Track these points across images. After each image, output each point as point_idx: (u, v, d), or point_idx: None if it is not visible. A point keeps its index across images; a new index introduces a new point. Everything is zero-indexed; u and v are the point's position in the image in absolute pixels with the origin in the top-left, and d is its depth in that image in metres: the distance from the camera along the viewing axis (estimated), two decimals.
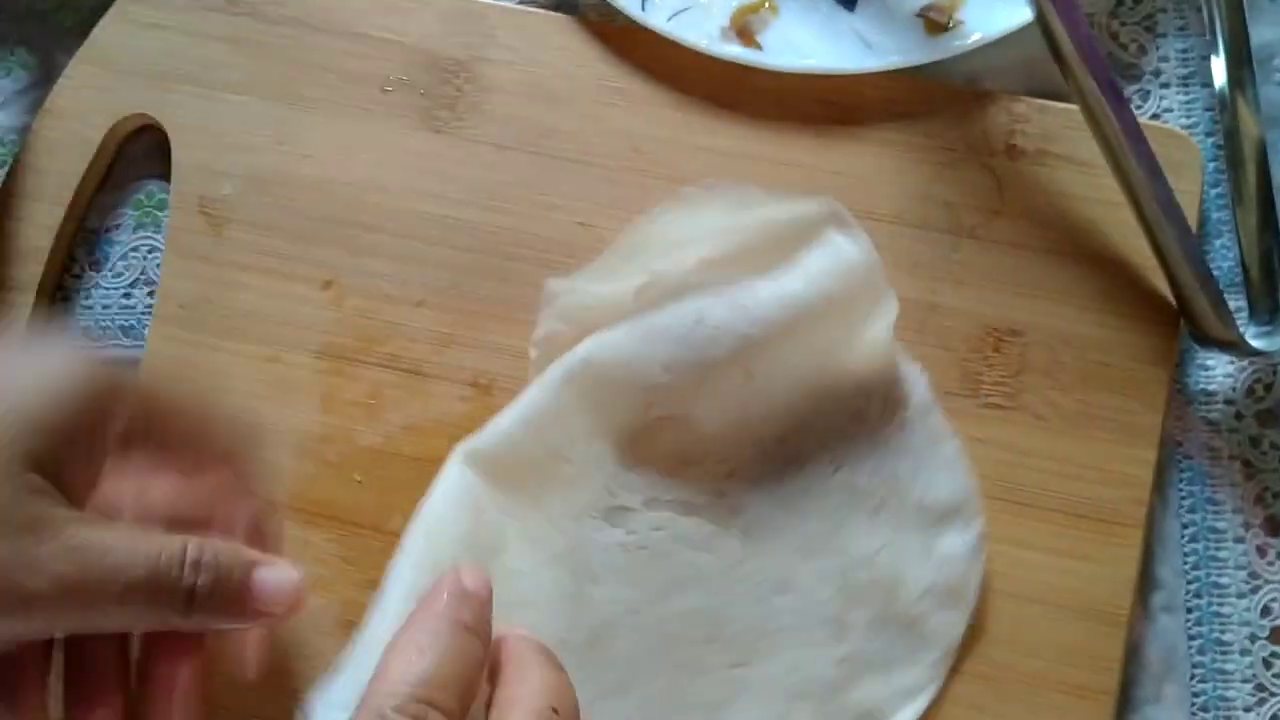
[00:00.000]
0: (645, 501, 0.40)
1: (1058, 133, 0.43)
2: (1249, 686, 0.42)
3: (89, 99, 0.45)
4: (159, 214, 0.46)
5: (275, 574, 0.35)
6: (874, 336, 0.41)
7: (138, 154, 0.46)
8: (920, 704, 0.40)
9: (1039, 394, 0.42)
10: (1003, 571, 0.41)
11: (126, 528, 0.34)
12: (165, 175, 0.45)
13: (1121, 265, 0.43)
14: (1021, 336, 0.42)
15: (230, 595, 0.34)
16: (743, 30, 0.44)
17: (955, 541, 0.40)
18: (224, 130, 0.45)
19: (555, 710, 0.31)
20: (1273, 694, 0.42)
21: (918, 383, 0.41)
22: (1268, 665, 0.42)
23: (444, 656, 0.30)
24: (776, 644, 0.40)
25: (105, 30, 0.46)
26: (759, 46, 0.44)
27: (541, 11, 0.46)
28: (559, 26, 0.45)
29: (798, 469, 0.41)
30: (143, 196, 0.46)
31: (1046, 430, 0.42)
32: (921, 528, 0.40)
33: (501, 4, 0.46)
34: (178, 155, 0.45)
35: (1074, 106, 0.41)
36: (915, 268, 0.43)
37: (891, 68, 0.43)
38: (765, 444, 0.41)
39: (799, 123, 0.44)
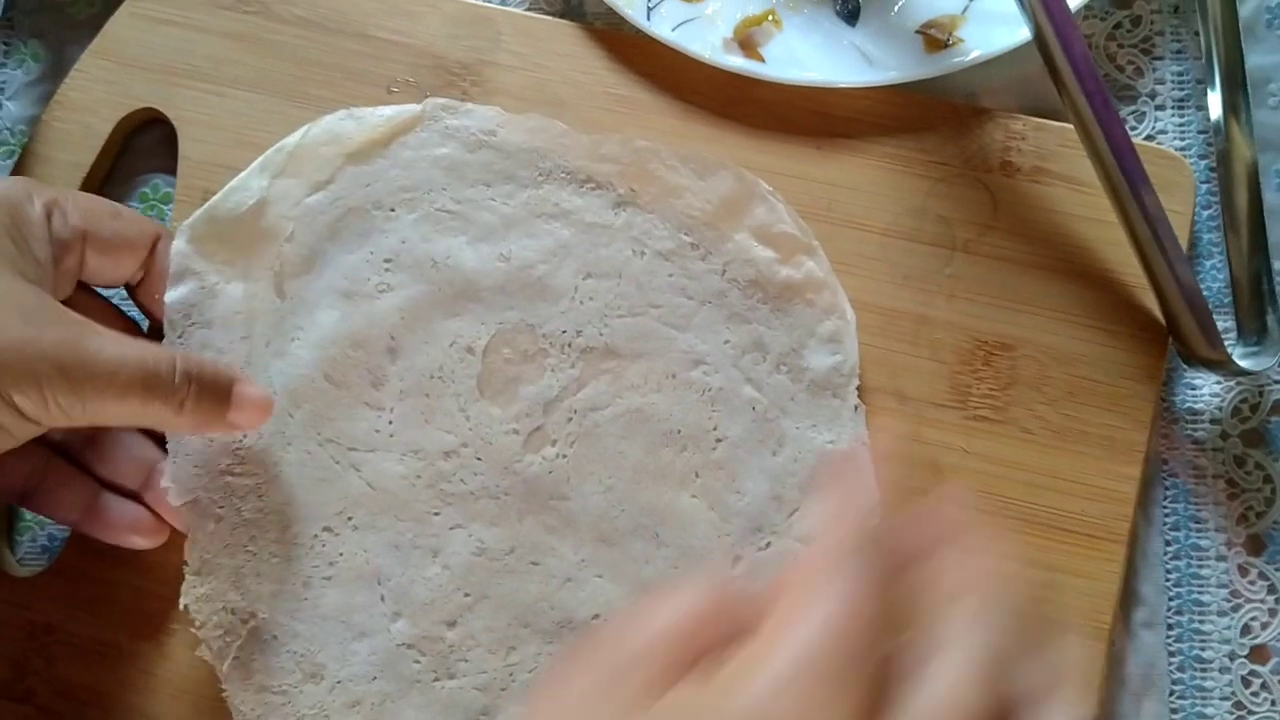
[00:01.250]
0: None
1: (1053, 151, 0.44)
2: (1228, 704, 0.42)
3: (99, 92, 0.46)
4: (164, 208, 0.47)
5: (251, 388, 0.40)
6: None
7: (145, 148, 0.47)
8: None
9: (1027, 408, 0.42)
10: None
11: (109, 330, 0.37)
12: (171, 169, 0.46)
13: (1112, 283, 0.43)
14: (1011, 351, 0.43)
15: (212, 404, 0.38)
16: (746, 42, 0.45)
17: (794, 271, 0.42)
18: (231, 126, 0.46)
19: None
20: (1251, 712, 0.42)
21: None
22: (1246, 684, 0.42)
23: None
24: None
25: (117, 24, 0.46)
26: (761, 59, 0.44)
27: (548, 18, 0.47)
28: (565, 33, 0.46)
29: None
30: (148, 190, 0.47)
31: (1033, 444, 0.42)
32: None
33: (509, 9, 0.47)
34: (184, 149, 0.46)
35: (1069, 125, 0.42)
36: (908, 280, 0.43)
37: (891, 83, 0.44)
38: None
39: (798, 134, 0.45)
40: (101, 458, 0.41)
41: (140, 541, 0.41)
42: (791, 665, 0.24)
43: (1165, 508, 0.43)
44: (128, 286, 0.43)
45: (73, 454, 0.41)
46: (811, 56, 0.44)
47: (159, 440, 0.42)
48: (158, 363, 0.37)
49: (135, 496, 0.42)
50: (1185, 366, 0.44)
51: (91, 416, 0.36)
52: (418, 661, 0.41)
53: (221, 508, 0.42)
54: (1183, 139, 0.46)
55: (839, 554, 0.26)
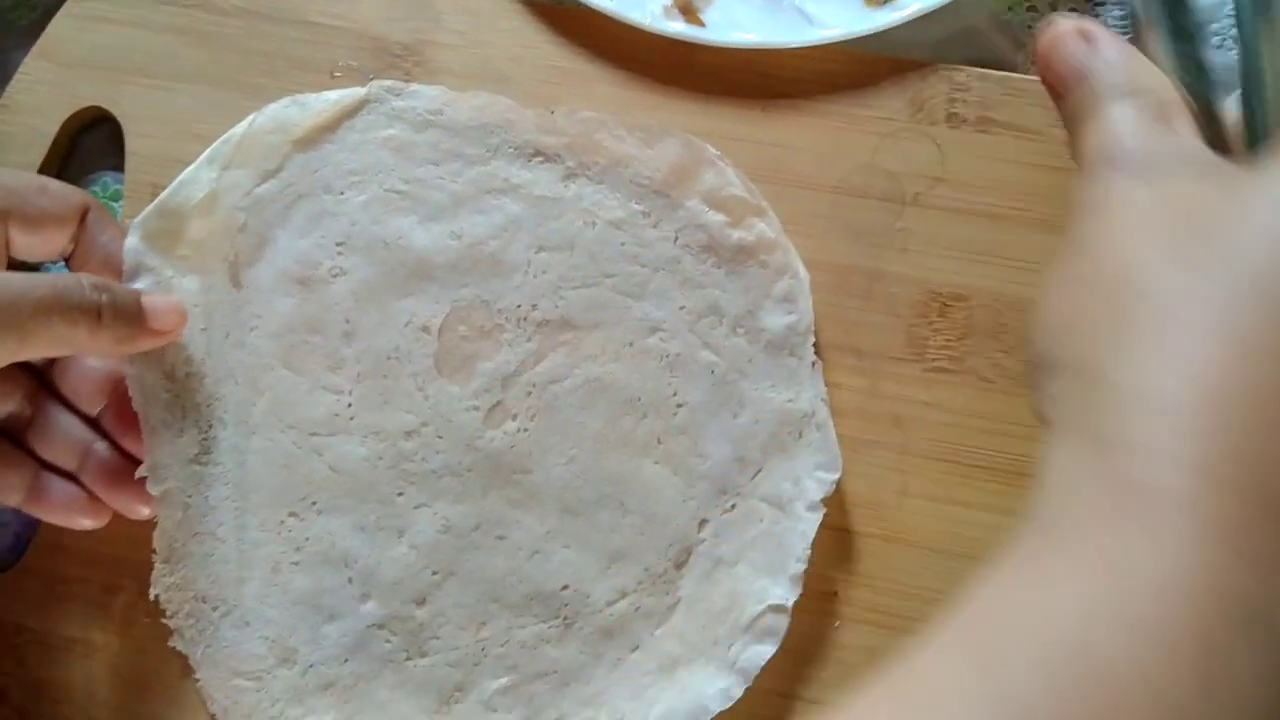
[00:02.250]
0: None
1: (998, 100, 0.44)
2: None
3: (43, 93, 0.46)
4: (114, 205, 0.47)
5: (159, 297, 0.41)
6: None
7: (93, 146, 0.47)
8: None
9: (985, 357, 0.43)
10: (949, 532, 0.41)
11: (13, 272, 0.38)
12: (120, 166, 0.46)
13: (1062, 229, 0.43)
14: (966, 301, 0.43)
15: (129, 313, 0.39)
16: (686, 8, 0.45)
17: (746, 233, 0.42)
18: (177, 119, 0.46)
19: None
20: None
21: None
22: None
23: None
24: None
25: (58, 25, 0.47)
26: (702, 23, 0.44)
27: None
28: (505, 9, 0.46)
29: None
30: (98, 188, 0.47)
31: (993, 391, 0.42)
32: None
33: None
34: (132, 145, 0.46)
35: (1013, 75, 0.42)
36: (859, 236, 0.44)
37: (832, 41, 0.44)
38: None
39: (743, 97, 0.45)
40: (40, 439, 0.41)
41: (84, 522, 0.41)
42: None
43: None
44: (66, 260, 0.43)
45: (14, 436, 0.41)
46: (752, 19, 0.44)
47: (95, 424, 0.42)
48: (67, 279, 0.38)
49: (75, 479, 0.42)
50: None
51: (14, 349, 0.36)
52: (389, 641, 0.41)
53: (190, 496, 0.42)
54: None
55: None
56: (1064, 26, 0.29)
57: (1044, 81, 0.29)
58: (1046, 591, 0.22)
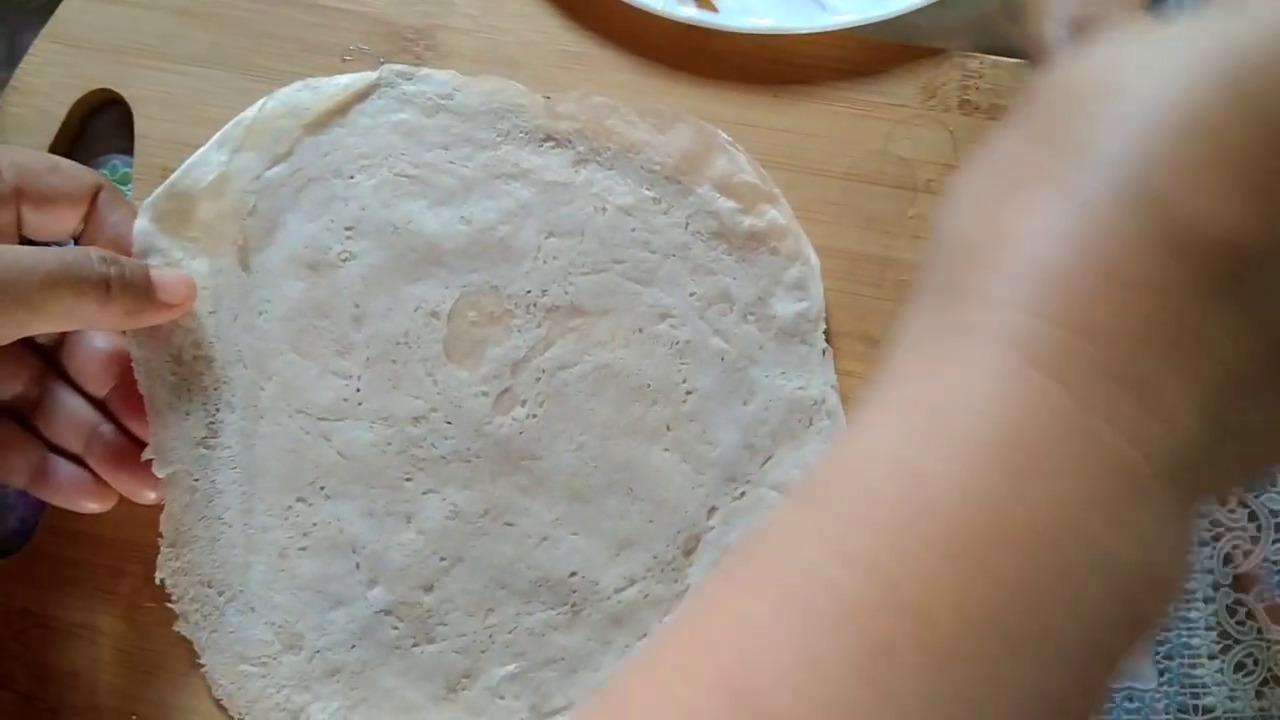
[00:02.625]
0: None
1: (1010, 88, 0.44)
2: (1213, 634, 0.42)
3: (53, 75, 0.46)
4: (124, 188, 0.47)
5: (168, 271, 0.41)
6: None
7: (102, 129, 0.47)
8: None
9: None
10: None
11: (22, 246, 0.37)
12: (129, 150, 0.46)
13: None
14: None
15: (138, 286, 0.39)
16: None
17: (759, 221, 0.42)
18: (187, 103, 0.45)
19: None
20: (1237, 641, 0.42)
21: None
22: (1231, 613, 0.42)
23: None
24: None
25: (69, 7, 0.46)
26: (714, 8, 0.44)
27: None
28: None
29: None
30: (107, 171, 0.47)
31: None
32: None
33: None
34: (141, 128, 0.45)
35: (1025, 62, 0.41)
36: (871, 223, 0.43)
37: (845, 27, 0.44)
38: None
39: (755, 83, 0.44)
40: (46, 420, 0.41)
41: (89, 505, 0.41)
42: None
43: None
44: (75, 240, 0.43)
45: (21, 418, 0.41)
46: (765, 4, 0.44)
47: (102, 406, 0.42)
48: (75, 253, 0.37)
49: (81, 462, 0.41)
50: None
51: (24, 321, 0.36)
52: (396, 628, 0.41)
53: (196, 479, 0.42)
54: None
55: None
56: None
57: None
58: (870, 431, 0.23)
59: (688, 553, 0.41)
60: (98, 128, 0.47)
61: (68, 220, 0.41)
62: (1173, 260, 0.21)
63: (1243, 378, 0.22)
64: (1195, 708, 0.41)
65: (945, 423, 0.22)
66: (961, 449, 0.21)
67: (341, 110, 0.44)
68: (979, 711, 0.20)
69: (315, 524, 0.42)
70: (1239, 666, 0.42)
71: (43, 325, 0.37)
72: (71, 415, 0.41)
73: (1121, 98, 0.23)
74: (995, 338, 0.22)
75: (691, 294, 0.42)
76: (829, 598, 0.20)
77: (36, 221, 0.40)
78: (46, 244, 0.43)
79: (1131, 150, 0.22)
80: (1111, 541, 0.21)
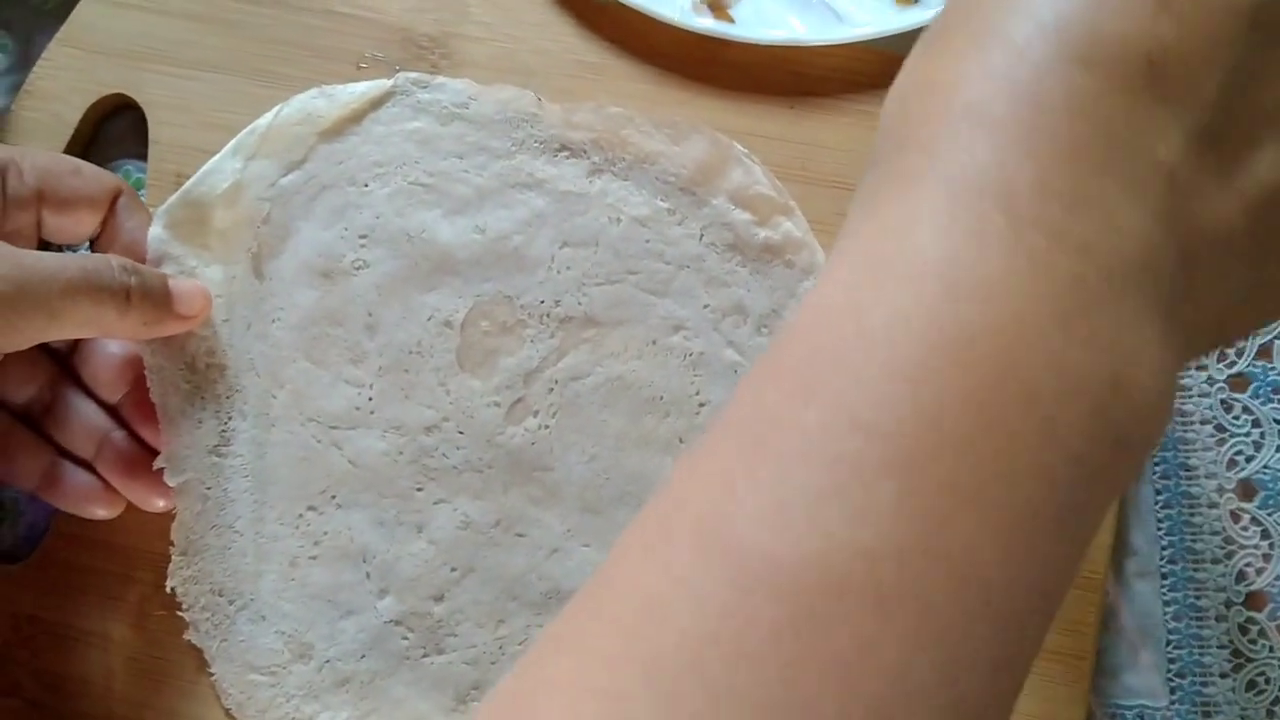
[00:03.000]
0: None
1: None
2: (1225, 652, 0.42)
3: (67, 80, 0.46)
4: (138, 194, 0.46)
5: (186, 282, 0.41)
6: None
7: (116, 134, 0.47)
8: None
9: None
10: None
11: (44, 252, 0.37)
12: (143, 155, 0.46)
13: None
14: None
15: (157, 296, 0.39)
16: (715, 3, 0.44)
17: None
18: (200, 108, 0.45)
19: None
20: (1250, 659, 0.42)
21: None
22: (1244, 631, 0.42)
23: None
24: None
25: (83, 11, 0.46)
26: (731, 19, 0.44)
27: None
28: (533, 2, 0.46)
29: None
30: (120, 176, 0.47)
31: None
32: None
33: None
34: (155, 133, 0.45)
35: None
36: None
37: (863, 39, 0.43)
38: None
39: (771, 94, 0.44)
40: (58, 425, 0.41)
41: (98, 511, 0.41)
42: None
43: (1154, 456, 0.43)
44: (91, 243, 0.42)
45: (33, 421, 0.41)
46: (782, 15, 0.44)
47: (115, 413, 0.42)
48: (97, 260, 0.38)
49: (91, 468, 0.41)
50: None
51: (43, 328, 0.36)
52: (406, 638, 0.41)
53: (208, 488, 0.42)
54: None
55: None
56: None
57: None
58: (819, 293, 0.23)
59: None
60: (112, 132, 0.47)
61: (87, 224, 0.41)
62: (1093, 76, 0.22)
63: (1193, 185, 0.22)
64: None
65: (890, 263, 0.22)
66: (909, 286, 0.21)
67: (356, 118, 0.44)
68: (954, 526, 0.20)
69: (326, 533, 0.42)
70: (1251, 685, 0.41)
71: (61, 332, 0.37)
72: (83, 420, 0.41)
73: None
74: (933, 178, 0.22)
75: (705, 306, 0.42)
76: (793, 436, 0.21)
77: (56, 224, 0.40)
78: (63, 247, 0.43)
79: None
80: (1075, 355, 0.21)
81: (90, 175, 0.41)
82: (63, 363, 0.42)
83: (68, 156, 0.42)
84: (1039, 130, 0.22)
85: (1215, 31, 0.22)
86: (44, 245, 0.41)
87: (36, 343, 0.37)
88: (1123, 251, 0.21)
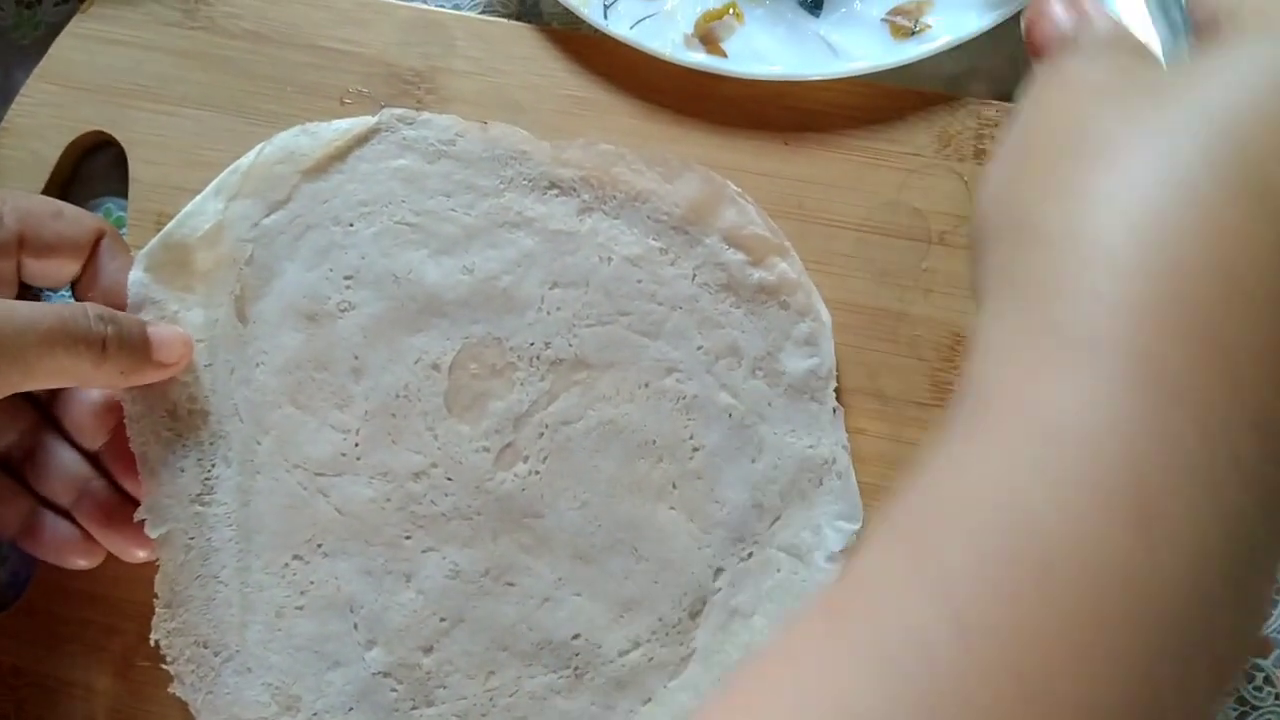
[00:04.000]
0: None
1: None
2: (1230, 700, 0.41)
3: (45, 116, 0.45)
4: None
5: (166, 329, 0.40)
6: None
7: (96, 172, 0.46)
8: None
9: None
10: None
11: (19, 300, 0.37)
12: (123, 192, 0.45)
13: None
14: None
15: (134, 344, 0.38)
16: (707, 37, 0.43)
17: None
18: (182, 146, 0.44)
19: None
20: (1255, 707, 0.41)
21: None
22: (1249, 678, 0.41)
23: None
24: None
25: (61, 47, 0.45)
26: (723, 54, 0.43)
27: (503, 20, 0.45)
28: (521, 35, 0.45)
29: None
30: (100, 214, 0.46)
31: None
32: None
33: (462, 14, 0.45)
34: (135, 171, 0.44)
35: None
36: (884, 276, 0.42)
37: (858, 73, 0.42)
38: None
39: (765, 130, 0.43)
40: (38, 473, 0.40)
41: (78, 562, 0.40)
42: None
43: None
44: (72, 285, 0.42)
45: (13, 469, 0.40)
46: (775, 49, 0.43)
47: (95, 459, 0.41)
48: (73, 309, 0.37)
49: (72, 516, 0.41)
50: None
51: (16, 382, 0.35)
52: (394, 690, 0.40)
53: (192, 538, 0.41)
54: None
55: None
56: None
57: (1029, 45, 0.29)
58: (973, 462, 0.21)
59: (693, 615, 0.40)
60: (92, 170, 0.46)
61: (69, 269, 0.40)
62: None
63: None
64: None
65: (1057, 460, 0.19)
66: (1083, 495, 0.19)
67: (340, 156, 0.43)
68: None
69: (313, 582, 0.41)
70: None
71: (35, 383, 0.36)
72: (63, 469, 0.40)
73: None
74: (1100, 348, 0.20)
75: (699, 347, 0.41)
76: (938, 673, 0.19)
77: (38, 269, 0.39)
78: (41, 290, 0.43)
79: (1230, 102, 0.21)
80: (1229, 620, 0.19)
81: (72, 218, 0.40)
82: (44, 409, 0.41)
83: (49, 199, 0.41)
84: (1236, 320, 0.19)
85: None
86: (24, 289, 0.40)
87: (8, 394, 0.36)
88: None
